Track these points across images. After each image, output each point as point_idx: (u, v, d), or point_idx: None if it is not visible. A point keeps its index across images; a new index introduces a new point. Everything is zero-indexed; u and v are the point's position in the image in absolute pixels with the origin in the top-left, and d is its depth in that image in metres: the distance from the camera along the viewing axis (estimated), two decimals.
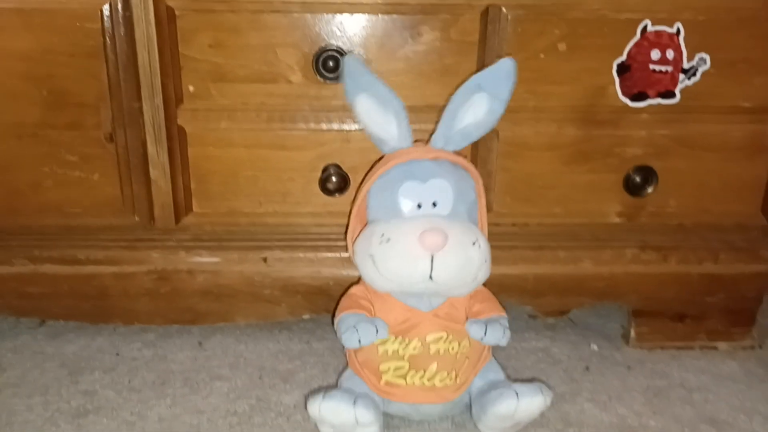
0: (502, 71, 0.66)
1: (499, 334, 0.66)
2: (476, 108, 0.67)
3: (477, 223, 0.69)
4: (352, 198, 0.74)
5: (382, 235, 0.64)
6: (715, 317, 0.83)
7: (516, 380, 0.67)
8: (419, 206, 0.66)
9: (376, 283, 0.66)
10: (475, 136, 0.69)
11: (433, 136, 0.69)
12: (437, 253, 0.62)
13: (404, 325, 0.66)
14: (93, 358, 0.80)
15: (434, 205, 0.66)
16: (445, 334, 0.66)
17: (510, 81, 0.67)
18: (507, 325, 0.67)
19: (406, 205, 0.66)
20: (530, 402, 0.63)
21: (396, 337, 0.66)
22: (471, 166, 0.70)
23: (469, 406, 0.68)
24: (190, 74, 0.74)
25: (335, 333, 0.69)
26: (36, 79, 0.73)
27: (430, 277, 0.63)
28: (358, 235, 0.68)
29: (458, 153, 0.69)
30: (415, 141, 0.69)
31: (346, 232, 0.71)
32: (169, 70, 0.73)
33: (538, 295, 0.81)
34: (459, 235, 0.63)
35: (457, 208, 0.66)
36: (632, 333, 0.84)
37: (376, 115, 0.68)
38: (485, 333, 0.65)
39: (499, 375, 0.69)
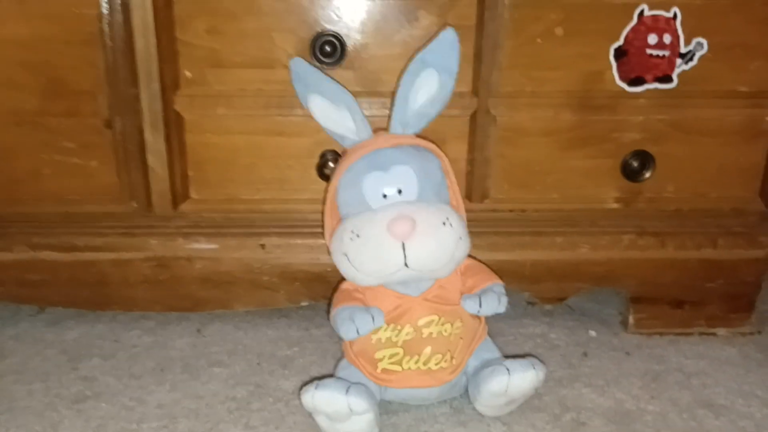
0: (446, 42, 0.66)
1: (494, 304, 0.66)
2: (427, 85, 0.67)
3: (448, 201, 0.69)
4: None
5: (352, 231, 0.64)
6: (714, 303, 0.83)
7: (509, 357, 0.67)
8: (384, 196, 0.66)
9: (356, 279, 0.66)
10: (433, 114, 0.68)
11: (390, 123, 0.69)
12: (408, 240, 0.62)
13: (395, 312, 0.66)
14: (93, 345, 0.81)
15: (399, 192, 0.66)
16: (436, 317, 0.66)
17: (455, 51, 0.66)
18: (503, 291, 0.67)
19: (372, 197, 0.66)
20: (522, 377, 0.63)
21: (388, 325, 0.66)
22: (433, 146, 0.69)
23: (467, 389, 0.68)
24: (186, 60, 0.74)
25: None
26: (33, 67, 0.73)
27: (406, 264, 0.63)
28: (334, 232, 0.68)
29: (420, 135, 0.69)
30: (377, 130, 0.69)
31: (323, 231, 0.71)
32: (166, 56, 0.73)
33: (535, 281, 0.81)
34: (427, 218, 0.63)
35: (423, 191, 0.66)
36: (630, 319, 0.84)
37: (331, 113, 0.68)
38: (480, 305, 0.65)
39: (495, 353, 0.69)
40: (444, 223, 0.64)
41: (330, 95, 0.68)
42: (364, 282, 0.66)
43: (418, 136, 0.69)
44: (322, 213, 0.71)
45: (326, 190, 0.70)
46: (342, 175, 0.67)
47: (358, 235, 0.64)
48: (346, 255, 0.65)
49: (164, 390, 0.72)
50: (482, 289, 0.68)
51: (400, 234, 0.62)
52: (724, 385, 0.74)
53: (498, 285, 0.68)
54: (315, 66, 0.72)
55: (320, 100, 0.68)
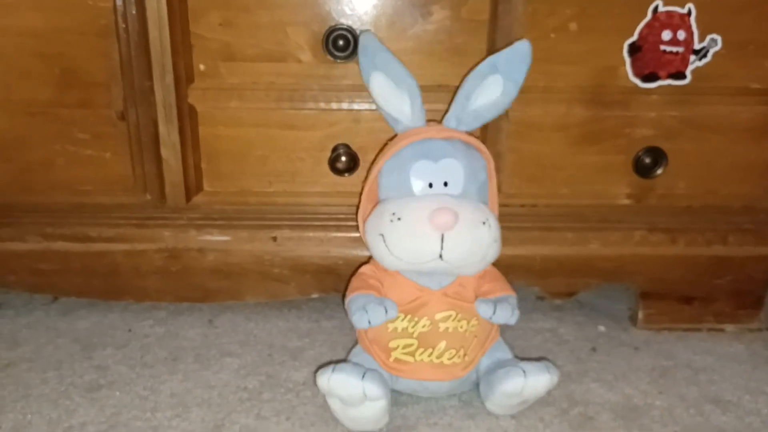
0: (518, 53, 0.67)
1: (507, 314, 0.66)
2: (490, 89, 0.67)
3: (487, 203, 0.69)
4: (362, 178, 0.75)
5: (393, 213, 0.65)
6: (723, 299, 0.83)
7: (523, 359, 0.67)
8: (430, 185, 0.66)
9: (386, 261, 0.66)
10: (488, 117, 0.69)
11: (446, 116, 0.69)
12: (447, 233, 0.63)
13: (414, 304, 0.67)
14: (105, 334, 0.81)
15: (445, 184, 0.66)
16: (453, 313, 0.66)
17: (525, 63, 0.67)
18: (516, 304, 0.68)
19: (418, 185, 0.66)
20: (537, 380, 0.63)
21: (405, 315, 0.66)
22: (483, 147, 0.70)
23: (477, 385, 0.69)
24: (200, 53, 0.74)
25: (345, 312, 0.69)
26: (48, 58, 0.73)
27: (440, 256, 0.63)
28: (369, 214, 0.69)
29: (470, 134, 0.70)
30: (428, 121, 0.70)
31: (357, 212, 0.72)
32: (180, 49, 0.73)
33: (545, 276, 0.81)
34: (469, 215, 0.64)
35: (467, 187, 0.67)
36: (640, 314, 0.84)
37: (390, 94, 0.68)
38: (494, 312, 0.66)
39: (507, 354, 0.69)
40: (484, 223, 0.64)
41: (394, 76, 0.67)
42: (394, 266, 0.66)
43: (470, 134, 0.69)
44: (360, 193, 0.71)
45: (369, 171, 0.70)
46: (388, 159, 0.68)
47: (399, 218, 0.64)
48: (382, 236, 0.65)
49: (177, 379, 0.73)
50: (497, 297, 0.68)
51: (441, 224, 0.62)
52: (731, 381, 0.74)
53: (512, 297, 0.69)
54: (328, 60, 0.72)
55: (383, 78, 0.67)
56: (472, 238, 0.64)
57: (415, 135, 0.67)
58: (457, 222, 0.62)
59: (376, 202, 0.69)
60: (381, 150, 0.71)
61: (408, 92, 0.67)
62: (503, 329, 0.72)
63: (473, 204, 0.66)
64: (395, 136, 0.70)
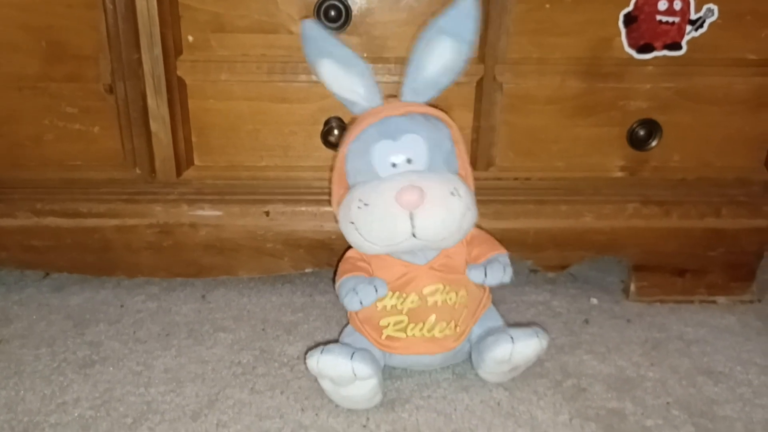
0: (463, 11, 0.64)
1: (499, 274, 0.66)
2: (441, 53, 0.65)
3: (457, 171, 0.68)
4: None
5: (360, 200, 0.64)
6: (716, 272, 0.84)
7: (513, 325, 0.67)
8: (394, 165, 0.65)
9: (362, 247, 0.66)
10: (445, 83, 0.67)
11: (401, 89, 0.67)
12: (416, 210, 0.62)
13: (401, 280, 0.66)
14: (98, 310, 0.81)
15: (409, 161, 0.65)
16: (441, 286, 0.66)
17: (472, 20, 0.65)
18: (507, 261, 0.68)
19: (381, 166, 0.65)
20: (525, 345, 0.64)
21: (393, 293, 0.66)
22: (444, 115, 0.68)
23: (470, 355, 0.69)
24: (189, 24, 0.72)
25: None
26: (34, 30, 0.72)
27: (413, 234, 0.63)
28: (341, 200, 0.68)
29: (430, 103, 0.68)
30: (388, 96, 0.68)
31: (330, 199, 0.71)
32: (169, 20, 0.71)
33: (538, 249, 0.81)
34: (436, 188, 0.63)
35: (433, 160, 0.66)
36: (632, 287, 0.84)
37: (341, 78, 0.67)
38: (485, 275, 0.66)
39: (498, 322, 0.70)
40: (452, 194, 0.63)
41: (341, 60, 0.66)
42: (371, 250, 0.66)
43: (429, 104, 0.68)
44: (330, 181, 0.70)
45: (334, 158, 0.69)
46: (351, 143, 0.67)
47: (366, 204, 0.63)
48: (353, 223, 0.64)
49: (170, 355, 0.73)
50: (487, 259, 0.68)
51: (408, 203, 0.62)
52: (723, 353, 0.75)
53: (503, 255, 0.69)
54: None
55: (331, 64, 0.66)
56: (443, 211, 0.63)
57: (373, 115, 0.66)
58: (424, 198, 0.62)
59: (347, 188, 0.68)
60: (344, 134, 0.70)
61: (358, 74, 0.66)
62: (495, 300, 0.72)
63: (440, 176, 0.64)
64: (355, 118, 0.69)
